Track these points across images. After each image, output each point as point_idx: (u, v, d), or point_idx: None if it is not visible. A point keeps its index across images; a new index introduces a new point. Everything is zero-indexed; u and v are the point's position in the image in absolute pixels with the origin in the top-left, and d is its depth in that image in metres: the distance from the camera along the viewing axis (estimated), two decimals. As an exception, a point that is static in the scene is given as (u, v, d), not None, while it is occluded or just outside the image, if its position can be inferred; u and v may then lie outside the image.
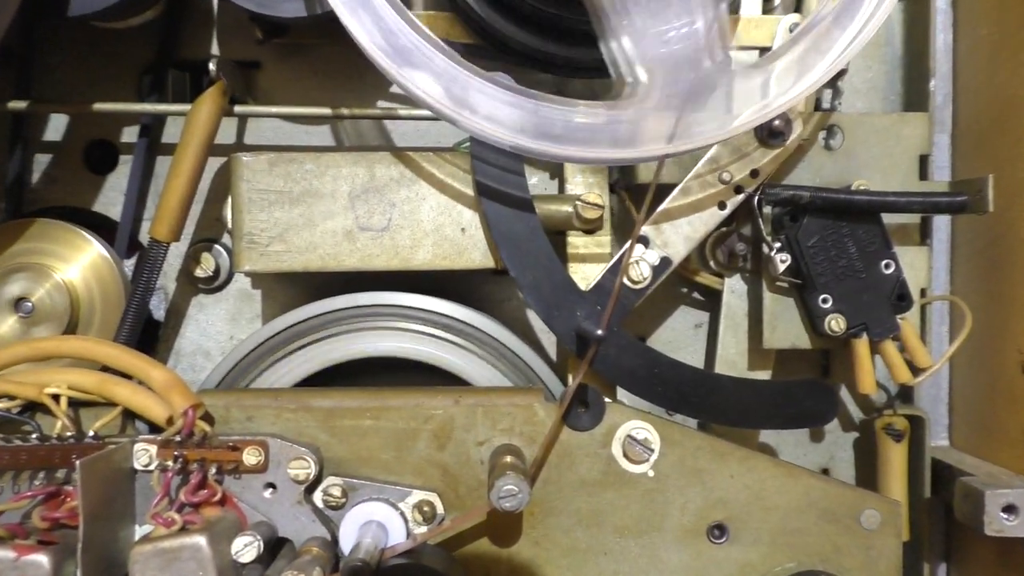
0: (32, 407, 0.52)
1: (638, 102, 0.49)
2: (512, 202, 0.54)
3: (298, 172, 0.56)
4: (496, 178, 0.54)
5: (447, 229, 0.56)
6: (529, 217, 0.55)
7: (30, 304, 0.59)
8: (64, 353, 0.54)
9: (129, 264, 0.65)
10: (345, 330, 0.57)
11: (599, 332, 0.51)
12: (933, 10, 0.66)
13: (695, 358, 0.67)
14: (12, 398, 0.51)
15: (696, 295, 0.67)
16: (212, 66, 0.59)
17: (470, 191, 0.56)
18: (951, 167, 0.65)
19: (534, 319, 0.67)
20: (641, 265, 0.55)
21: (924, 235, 0.61)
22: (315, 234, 0.56)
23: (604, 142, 0.49)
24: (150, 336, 0.66)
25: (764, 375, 0.62)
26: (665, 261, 0.56)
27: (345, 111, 0.61)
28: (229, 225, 0.57)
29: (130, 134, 0.65)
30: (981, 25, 0.65)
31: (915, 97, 0.66)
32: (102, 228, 0.65)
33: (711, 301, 0.66)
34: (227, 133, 0.64)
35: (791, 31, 0.63)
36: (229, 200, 0.57)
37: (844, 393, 0.67)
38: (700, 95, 0.49)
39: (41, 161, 0.65)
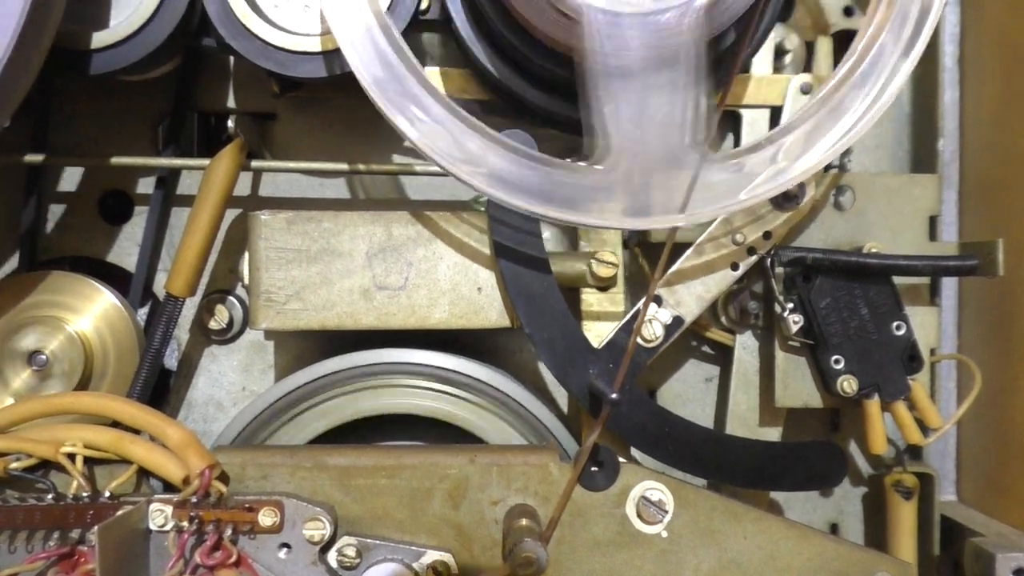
0: (47, 464, 0.52)
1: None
2: (528, 262, 0.55)
3: (316, 231, 0.56)
4: (513, 238, 0.55)
5: (464, 288, 0.57)
6: (545, 277, 0.55)
7: (44, 357, 0.59)
8: (79, 410, 0.54)
9: (143, 313, 0.65)
10: (360, 387, 0.57)
11: (613, 396, 0.51)
12: (940, 68, 0.67)
13: (705, 412, 0.67)
14: (27, 456, 0.52)
15: (707, 349, 0.68)
16: (230, 123, 0.59)
17: (487, 250, 0.56)
18: (958, 223, 0.65)
19: (546, 371, 0.67)
20: (654, 324, 0.56)
21: (934, 295, 0.61)
22: (332, 292, 0.56)
23: (616, 209, 0.50)
24: (162, 385, 0.66)
25: (775, 431, 0.63)
26: (677, 320, 0.56)
27: (361, 166, 0.61)
28: (246, 280, 0.57)
29: (145, 184, 0.65)
30: (988, 83, 0.66)
31: (924, 155, 0.66)
32: (116, 278, 0.65)
33: (722, 355, 0.67)
34: (242, 184, 0.64)
35: (802, 91, 0.64)
36: (246, 256, 0.57)
37: (853, 447, 0.67)
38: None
39: (55, 211, 0.65)
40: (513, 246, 0.55)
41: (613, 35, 0.48)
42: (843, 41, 0.68)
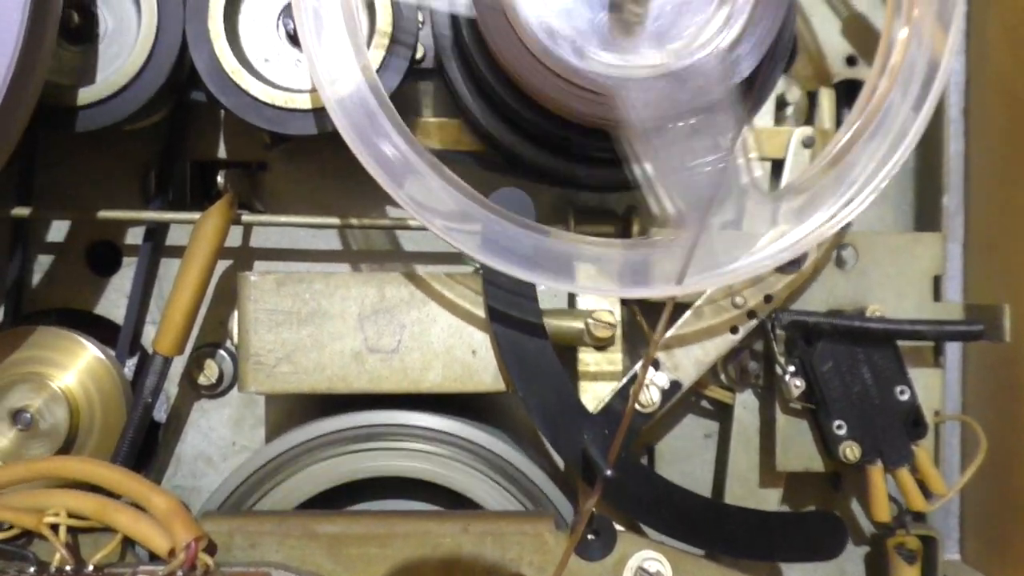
0: (29, 534, 0.51)
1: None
2: (523, 326, 0.54)
3: (307, 292, 0.55)
4: (507, 301, 0.54)
5: (457, 351, 0.55)
6: (540, 341, 0.54)
7: (28, 416, 0.58)
8: (63, 475, 0.53)
9: (131, 363, 0.64)
10: (351, 449, 0.56)
11: (608, 472, 0.50)
12: (946, 119, 0.66)
13: (704, 468, 0.66)
14: (9, 527, 0.50)
15: (705, 403, 0.66)
16: (220, 179, 0.58)
17: (481, 312, 0.55)
18: (963, 282, 0.64)
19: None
20: (651, 389, 0.55)
21: (937, 355, 0.60)
22: (323, 355, 0.55)
23: (613, 278, 0.49)
24: (151, 438, 0.64)
25: (776, 492, 0.61)
26: (675, 385, 0.55)
27: (354, 220, 0.60)
28: (235, 340, 0.56)
29: (134, 235, 0.64)
30: (993, 135, 0.64)
31: (928, 210, 0.65)
32: (104, 330, 0.64)
33: (721, 411, 0.65)
34: (234, 235, 0.63)
35: (804, 145, 0.63)
36: (235, 315, 0.56)
37: (855, 506, 0.66)
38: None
39: (42, 262, 0.64)
40: (507, 310, 0.54)
41: (648, 102, 0.47)
42: (845, 91, 0.67)
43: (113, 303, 0.64)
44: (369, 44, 0.54)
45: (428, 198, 0.48)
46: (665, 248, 0.48)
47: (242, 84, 0.54)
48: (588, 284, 0.49)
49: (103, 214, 0.60)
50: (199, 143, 0.64)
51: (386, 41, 0.55)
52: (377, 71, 0.53)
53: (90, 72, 0.56)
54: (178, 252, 0.63)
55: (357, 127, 0.49)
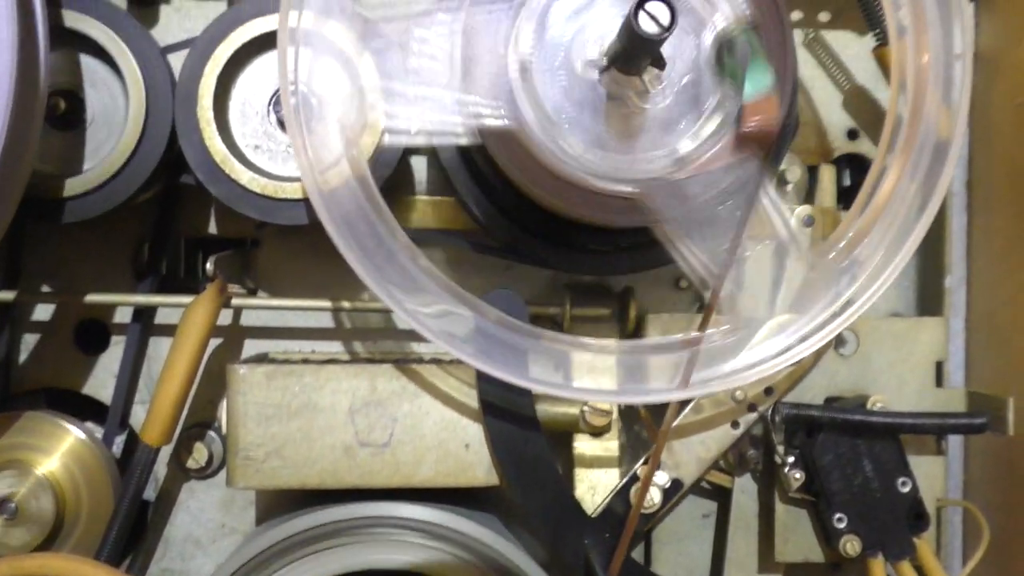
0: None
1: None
2: (517, 421, 0.53)
3: (296, 385, 0.54)
4: (501, 397, 0.53)
5: (451, 444, 0.54)
6: (536, 437, 0.53)
7: (13, 505, 0.57)
8: (49, 572, 0.52)
9: (120, 440, 0.63)
10: (342, 542, 0.55)
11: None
12: (949, 192, 0.65)
13: (702, 549, 0.65)
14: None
15: (704, 484, 0.65)
16: (209, 265, 0.57)
17: (475, 404, 0.54)
18: (965, 367, 0.63)
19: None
20: (651, 490, 0.53)
21: (940, 443, 0.59)
22: (313, 449, 0.54)
23: (611, 382, 0.48)
24: (140, 520, 0.63)
25: (775, 579, 0.60)
26: (676, 483, 0.54)
27: (346, 304, 0.59)
28: (224, 430, 0.55)
29: (123, 313, 0.63)
30: (997, 211, 0.63)
31: (930, 291, 0.64)
32: (92, 410, 0.63)
33: (719, 492, 0.64)
34: (223, 313, 0.62)
35: (805, 224, 0.62)
36: (224, 404, 0.55)
37: (855, 589, 0.65)
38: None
39: (29, 341, 0.63)
40: (501, 405, 0.53)
41: (676, 196, 0.47)
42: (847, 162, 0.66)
43: (101, 383, 0.63)
44: (361, 133, 0.53)
45: (419, 300, 0.47)
46: (665, 349, 0.47)
47: (232, 174, 0.53)
48: (585, 390, 0.48)
49: (91, 298, 0.59)
50: (190, 220, 0.63)
51: (379, 129, 0.54)
52: (368, 161, 0.52)
53: (77, 159, 0.55)
54: (167, 331, 0.62)
55: (346, 224, 0.47)
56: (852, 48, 0.65)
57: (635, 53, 0.43)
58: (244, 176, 0.53)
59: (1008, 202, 0.62)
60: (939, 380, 0.59)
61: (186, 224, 0.63)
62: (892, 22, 0.51)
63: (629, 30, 0.41)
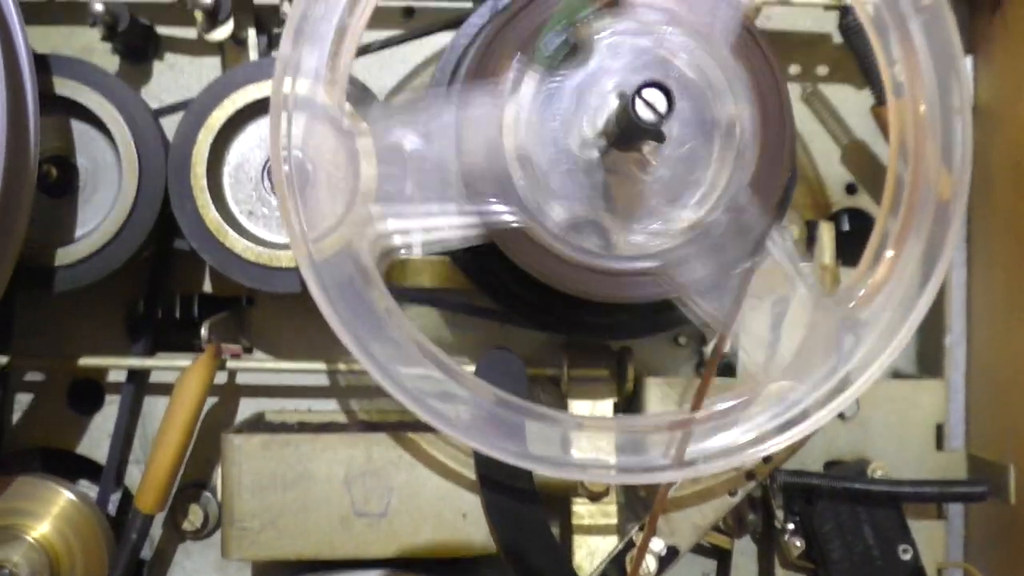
0: None
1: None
2: (515, 493, 0.52)
3: (292, 455, 0.53)
4: (497, 469, 0.52)
5: (447, 514, 0.54)
6: (533, 508, 0.52)
7: (7, 572, 0.56)
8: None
9: (115, 499, 0.62)
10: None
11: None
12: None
13: (702, 609, 0.64)
14: None
15: (703, 543, 0.65)
16: (204, 331, 0.56)
17: (472, 472, 0.54)
18: (965, 428, 0.62)
19: None
20: (647, 558, 0.53)
21: (940, 507, 0.59)
22: (309, 520, 0.53)
23: (608, 459, 0.48)
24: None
25: (775, 642, 0.60)
26: (672, 551, 0.54)
27: (342, 366, 0.59)
28: (219, 497, 0.54)
29: (117, 372, 0.62)
30: (996, 266, 0.63)
31: (930, 350, 0.63)
32: (86, 469, 0.62)
33: (718, 552, 0.64)
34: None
35: (804, 283, 0.61)
36: (219, 471, 0.54)
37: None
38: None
39: (22, 400, 0.62)
40: (498, 477, 0.52)
41: (688, 268, 0.47)
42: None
43: (96, 442, 0.63)
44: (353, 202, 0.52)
45: (414, 381, 0.46)
46: (662, 428, 0.47)
47: (225, 242, 0.53)
48: (582, 468, 0.47)
49: (84, 361, 0.58)
50: (184, 278, 0.62)
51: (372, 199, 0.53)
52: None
53: (70, 225, 0.55)
54: (162, 389, 0.62)
55: (337, 296, 0.47)
56: (850, 102, 0.65)
57: (634, 136, 0.43)
58: (238, 245, 0.53)
59: (1008, 258, 0.62)
60: (939, 443, 0.58)
61: (180, 282, 0.62)
62: (888, 80, 0.51)
63: (626, 117, 0.41)
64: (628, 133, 0.42)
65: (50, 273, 0.53)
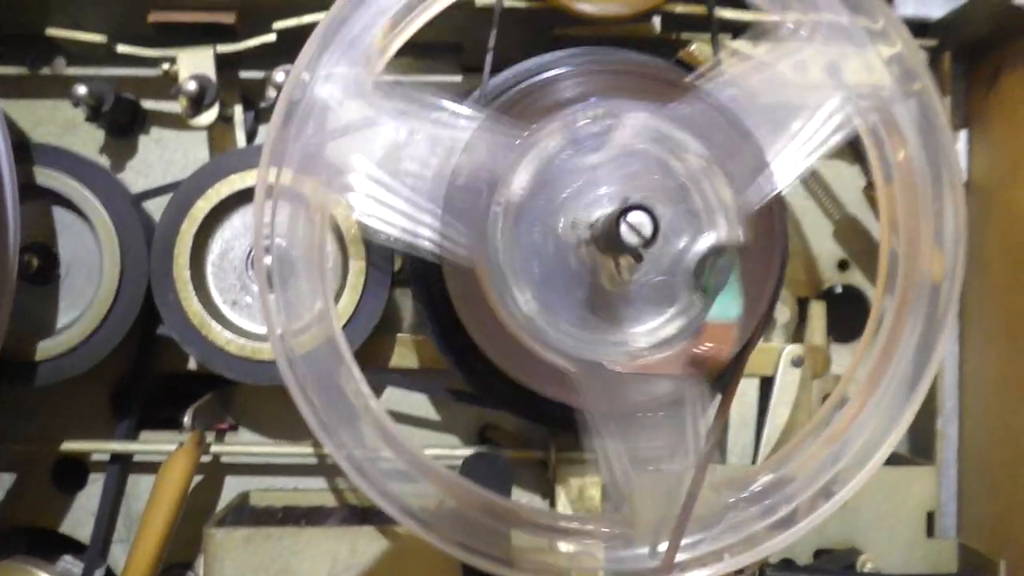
0: None
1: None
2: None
3: (275, 549, 0.53)
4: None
5: (432, 609, 0.53)
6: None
7: (-11, 660, 0.56)
8: None
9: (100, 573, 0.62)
10: None
11: None
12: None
13: None
14: None
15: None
16: (187, 419, 0.56)
17: (458, 567, 0.53)
18: (957, 516, 0.62)
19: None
20: (634, 655, 0.52)
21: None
22: (292, 615, 0.53)
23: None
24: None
25: None
26: (661, 646, 0.53)
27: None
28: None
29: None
30: (991, 344, 0.62)
31: (922, 430, 0.63)
32: (71, 547, 0.62)
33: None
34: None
35: (794, 364, 0.61)
36: (201, 560, 0.54)
37: None
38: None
39: (5, 479, 0.62)
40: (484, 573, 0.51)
41: (608, 391, 0.45)
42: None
43: (80, 521, 0.62)
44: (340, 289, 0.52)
45: (396, 490, 0.46)
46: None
47: (209, 335, 0.52)
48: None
49: (67, 446, 0.58)
50: (169, 358, 0.61)
51: (358, 289, 0.53)
52: (345, 325, 0.51)
53: (51, 314, 0.54)
54: (147, 468, 0.61)
55: (316, 392, 0.46)
56: (843, 177, 0.64)
57: (615, 247, 0.42)
58: (221, 338, 0.52)
59: (1002, 337, 0.61)
60: (930, 530, 0.58)
61: (165, 362, 0.61)
62: (877, 167, 0.51)
63: (611, 230, 0.40)
64: (608, 240, 0.41)
65: (31, 368, 0.52)
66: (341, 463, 0.45)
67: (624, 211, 0.39)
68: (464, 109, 0.44)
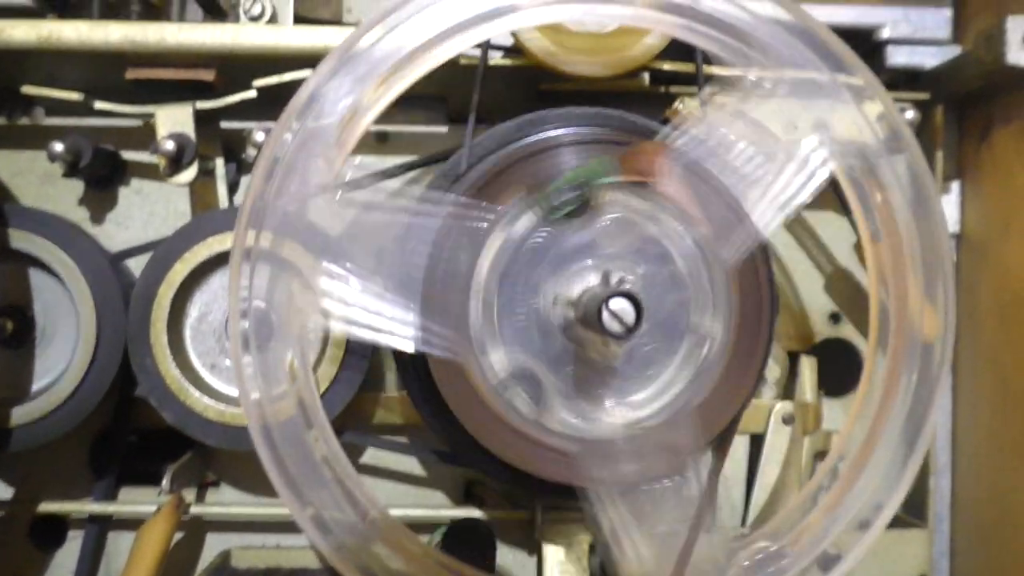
0: None
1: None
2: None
3: (255, 620, 0.52)
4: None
5: None
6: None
7: None
8: None
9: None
10: None
11: None
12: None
13: None
14: None
15: None
16: (165, 482, 0.55)
17: (440, 635, 0.52)
18: (950, 568, 0.61)
19: None
20: None
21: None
22: None
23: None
24: None
25: None
26: None
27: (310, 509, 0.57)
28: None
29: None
30: (981, 397, 0.61)
31: (914, 493, 0.62)
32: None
33: None
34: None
35: (784, 422, 0.60)
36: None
37: None
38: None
39: (-17, 538, 0.61)
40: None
41: (608, 465, 0.44)
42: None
43: (58, 579, 0.61)
44: (319, 360, 0.51)
45: (372, 562, 0.45)
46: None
47: (187, 401, 0.51)
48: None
49: (45, 507, 0.57)
50: (148, 415, 0.60)
51: (340, 353, 0.52)
52: (324, 393, 0.50)
53: (26, 377, 0.53)
54: (127, 525, 0.60)
55: (291, 464, 0.45)
56: (833, 228, 0.63)
57: (599, 332, 0.41)
58: (199, 403, 0.51)
59: (993, 395, 0.60)
60: (923, 595, 0.57)
61: (144, 418, 0.60)
62: (864, 229, 0.50)
63: (592, 318, 0.39)
64: (591, 324, 0.41)
65: (6, 434, 0.51)
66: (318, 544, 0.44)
67: (606, 299, 0.39)
68: (433, 195, 0.43)
